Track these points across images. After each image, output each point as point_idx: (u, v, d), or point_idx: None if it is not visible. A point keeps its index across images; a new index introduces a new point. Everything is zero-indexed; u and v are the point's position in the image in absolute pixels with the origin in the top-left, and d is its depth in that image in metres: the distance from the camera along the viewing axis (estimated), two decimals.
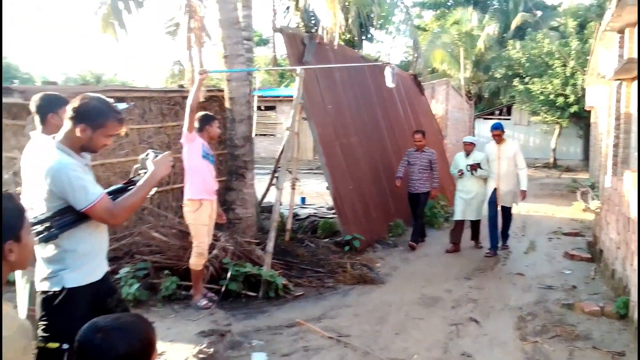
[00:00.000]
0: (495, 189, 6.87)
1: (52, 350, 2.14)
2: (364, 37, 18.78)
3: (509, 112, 24.71)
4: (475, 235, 7.37)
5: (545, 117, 21.43)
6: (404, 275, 6.06)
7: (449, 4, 29.35)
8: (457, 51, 21.99)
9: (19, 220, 1.54)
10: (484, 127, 23.18)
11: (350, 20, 9.79)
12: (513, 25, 24.33)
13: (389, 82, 5.92)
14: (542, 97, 20.32)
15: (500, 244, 7.07)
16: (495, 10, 26.88)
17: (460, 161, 7.11)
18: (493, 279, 5.94)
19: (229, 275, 5.02)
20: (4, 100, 5.31)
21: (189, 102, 4.64)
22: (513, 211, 7.36)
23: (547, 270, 6.35)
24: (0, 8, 1.89)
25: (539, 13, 25.02)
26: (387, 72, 5.82)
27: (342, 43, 9.16)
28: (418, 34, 12.77)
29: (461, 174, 7.00)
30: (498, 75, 23.46)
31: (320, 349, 3.97)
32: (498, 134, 6.87)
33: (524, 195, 6.94)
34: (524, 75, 21.16)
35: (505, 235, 7.25)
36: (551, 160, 22.65)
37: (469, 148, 7.07)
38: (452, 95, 16.94)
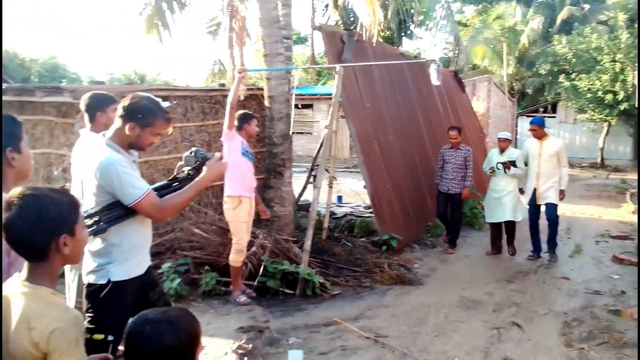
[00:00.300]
0: (534, 189, 6.50)
1: (98, 341, 2.21)
2: (403, 34, 18.56)
3: (554, 110, 23.88)
4: (510, 240, 6.85)
5: (593, 115, 20.58)
6: (443, 277, 5.95)
7: None
8: (499, 47, 21.41)
9: (74, 215, 1.60)
10: (527, 125, 22.54)
11: (389, 17, 9.66)
12: (559, 20, 23.44)
13: (434, 80, 5.82)
14: (589, 94, 19.52)
15: (547, 252, 6.62)
16: (540, 4, 26.00)
17: (493, 158, 6.76)
18: (536, 283, 5.75)
19: (263, 271, 5.07)
20: (55, 99, 5.55)
21: (229, 100, 4.72)
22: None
23: (594, 274, 6.10)
24: (0, 8, 1.95)
25: (586, 6, 24.05)
26: (432, 70, 5.73)
27: (381, 40, 9.07)
28: (459, 29, 12.49)
29: (492, 171, 6.65)
30: (542, 72, 22.65)
31: (357, 349, 3.95)
32: (534, 129, 6.48)
33: (562, 195, 6.52)
34: (570, 71, 20.38)
35: (552, 242, 6.63)
36: (598, 160, 21.74)
37: (503, 145, 6.70)
38: (494, 92, 16.53)
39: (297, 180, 7.51)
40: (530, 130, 6.54)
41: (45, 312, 1.49)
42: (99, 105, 3.38)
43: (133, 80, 30.70)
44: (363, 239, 7.18)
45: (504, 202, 6.59)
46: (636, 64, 13.98)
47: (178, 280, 4.78)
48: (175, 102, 5.99)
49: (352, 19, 11.19)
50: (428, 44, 52.60)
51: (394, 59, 8.82)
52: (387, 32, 14.05)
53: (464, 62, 10.45)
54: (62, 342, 1.47)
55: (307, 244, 5.33)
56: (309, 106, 21.10)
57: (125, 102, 2.40)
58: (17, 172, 1.87)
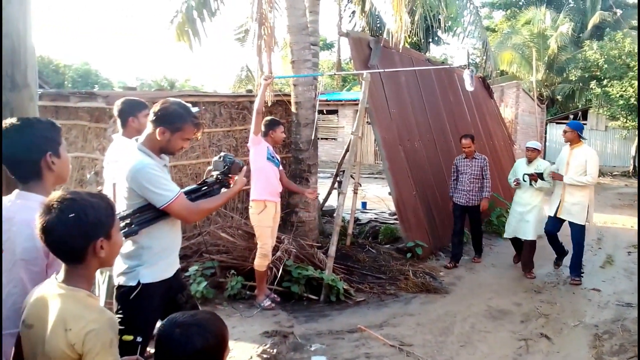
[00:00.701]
0: (559, 201, 5.89)
1: (127, 342, 2.26)
2: (430, 40, 18.44)
3: (584, 117, 23.33)
4: (527, 261, 6.19)
5: (625, 122, 20.00)
6: (469, 286, 5.86)
7: (520, 3, 28.22)
8: (528, 52, 21.07)
9: (110, 219, 1.64)
10: (556, 132, 22.07)
11: (416, 23, 9.63)
12: (590, 25, 22.98)
13: (468, 86, 5.84)
14: (621, 101, 18.98)
15: (570, 277, 5.96)
16: (570, 9, 25.52)
17: (519, 169, 6.25)
18: (566, 294, 5.62)
19: (287, 276, 5.10)
20: (88, 104, 5.72)
21: (255, 106, 4.80)
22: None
23: (626, 286, 5.92)
24: (0, 8, 2.01)
25: (619, 11, 23.49)
26: (466, 76, 5.71)
27: (408, 46, 9.04)
28: (487, 35, 12.35)
29: (517, 183, 6.14)
30: (573, 78, 22.19)
31: (382, 357, 3.93)
32: (566, 130, 5.92)
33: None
34: (601, 78, 19.88)
35: (574, 266, 5.94)
36: (630, 168, 21.12)
37: (532, 155, 6.15)
38: (523, 99, 16.27)
39: (321, 186, 7.53)
40: (563, 133, 6.01)
41: (82, 314, 1.53)
42: (131, 110, 3.47)
43: (163, 87, 31.34)
44: (387, 246, 7.14)
45: (527, 219, 6.07)
46: None
47: (204, 284, 4.84)
48: (202, 107, 6.09)
49: (378, 25, 11.17)
50: (455, 49, 52.10)
51: (421, 64, 8.79)
52: (414, 38, 13.99)
53: (492, 68, 10.32)
54: (97, 343, 1.50)
55: (332, 249, 5.33)
56: (334, 112, 21.14)
57: (156, 107, 2.47)
58: (56, 175, 1.94)
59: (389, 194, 7.19)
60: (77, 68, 32.02)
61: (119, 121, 3.52)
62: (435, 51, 26.36)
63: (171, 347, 1.48)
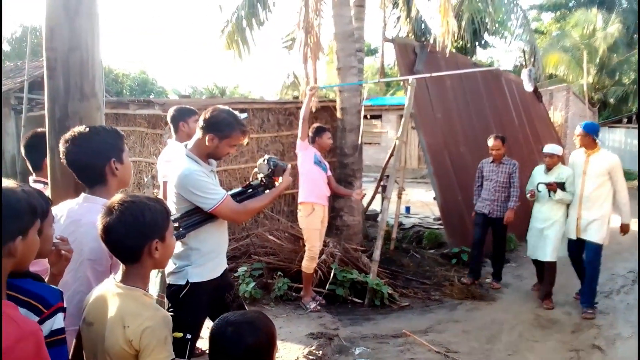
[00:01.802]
0: (577, 218, 5.02)
1: (177, 339, 2.36)
2: (477, 43, 18.11)
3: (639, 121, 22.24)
4: (546, 287, 5.32)
5: None
6: (516, 294, 5.75)
7: (570, 5, 27.25)
8: (578, 54, 20.32)
9: (166, 222, 1.72)
10: (609, 137, 21.12)
11: (463, 27, 9.53)
12: None
13: (527, 86, 5.70)
14: None
15: (582, 308, 5.03)
16: (623, 10, 24.39)
17: (536, 178, 5.32)
18: (620, 303, 5.41)
19: (332, 279, 5.17)
20: (145, 111, 6.02)
21: (301, 114, 4.95)
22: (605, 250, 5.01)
23: None
24: (0, 8, 2.07)
25: None
26: (525, 76, 5.61)
27: (454, 50, 8.97)
28: (535, 37, 12.05)
29: (532, 195, 5.26)
30: (626, 80, 21.20)
31: None
32: (581, 134, 4.97)
33: (625, 229, 5.00)
34: None
35: (587, 294, 5.04)
36: None
37: (550, 162, 5.22)
38: (573, 102, 15.70)
39: (365, 191, 7.56)
40: (576, 136, 5.10)
41: (139, 311, 1.60)
42: (181, 116, 3.81)
43: (214, 94, 32.15)
44: (432, 251, 7.10)
45: (547, 235, 5.18)
46: None
47: (253, 284, 4.99)
48: (246, 115, 6.30)
49: (423, 30, 11.14)
50: (502, 52, 50.79)
51: (467, 69, 8.68)
52: (461, 42, 13.81)
53: (540, 71, 10.06)
54: (153, 340, 1.57)
55: (376, 254, 5.37)
56: (378, 117, 21.08)
57: (206, 114, 2.56)
58: (119, 180, 2.05)
59: (434, 198, 7.16)
60: (135, 77, 33.34)
61: (172, 127, 3.83)
62: (481, 55, 25.84)
63: (224, 345, 1.55)
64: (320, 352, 4.04)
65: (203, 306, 2.59)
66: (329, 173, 5.07)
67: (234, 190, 2.77)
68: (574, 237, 5.06)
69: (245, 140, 2.70)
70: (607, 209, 4.91)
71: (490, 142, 5.79)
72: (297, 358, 3.95)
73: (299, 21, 6.41)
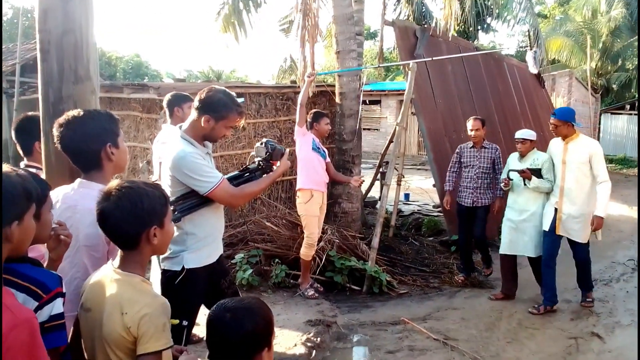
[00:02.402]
0: (555, 210, 4.59)
1: (174, 326, 2.32)
2: (479, 27, 17.88)
3: None
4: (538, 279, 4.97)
5: None
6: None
7: None
8: (581, 39, 20.08)
9: (164, 208, 1.69)
10: (611, 123, 21.02)
11: (467, 10, 9.37)
12: None
13: (532, 68, 5.59)
14: None
15: (581, 298, 4.87)
16: None
17: (511, 165, 4.93)
18: (619, 292, 5.38)
19: (330, 267, 5.13)
20: (140, 95, 5.92)
21: (299, 100, 4.89)
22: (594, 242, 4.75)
23: None
24: (0, 8, 2.05)
25: None
26: (529, 57, 5.52)
27: (455, 34, 8.83)
28: (538, 21, 11.87)
29: (506, 184, 4.84)
30: (629, 66, 20.99)
31: (426, 350, 3.90)
32: (554, 123, 4.56)
33: (599, 223, 4.41)
34: None
35: (584, 283, 4.83)
36: None
37: (522, 148, 4.81)
38: (576, 88, 15.59)
39: (363, 177, 7.50)
40: (551, 125, 4.67)
41: (137, 298, 1.58)
42: (177, 101, 3.84)
43: (210, 78, 31.99)
44: (431, 239, 7.06)
45: (525, 229, 4.74)
46: None
47: (250, 271, 4.95)
48: (243, 99, 6.22)
49: (423, 13, 10.96)
50: (504, 36, 50.37)
51: (469, 53, 8.56)
52: (462, 26, 13.61)
53: (543, 55, 9.92)
54: (151, 327, 1.55)
55: (375, 241, 5.33)
56: (377, 102, 20.93)
57: (201, 95, 2.47)
58: (114, 165, 2.02)
59: (433, 185, 7.08)
60: (128, 60, 33.09)
61: (167, 112, 3.83)
62: (483, 39, 25.61)
63: (223, 331, 1.54)
64: (319, 339, 4.02)
65: (199, 292, 2.55)
66: (328, 159, 5.00)
67: (230, 174, 2.70)
68: (547, 228, 4.61)
69: (242, 122, 2.60)
70: (593, 206, 4.47)
71: (470, 123, 5.33)
72: (295, 345, 3.93)
73: (297, 3, 6.27)
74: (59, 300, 1.52)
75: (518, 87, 9.77)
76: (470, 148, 5.38)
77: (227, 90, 2.54)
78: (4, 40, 21.34)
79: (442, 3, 6.49)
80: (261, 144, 2.77)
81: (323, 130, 5.03)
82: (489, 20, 18.36)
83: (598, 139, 18.99)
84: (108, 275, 1.65)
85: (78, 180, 1.97)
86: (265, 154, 2.74)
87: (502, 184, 4.95)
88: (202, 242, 2.50)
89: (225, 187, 2.46)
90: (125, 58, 33.08)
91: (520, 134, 4.89)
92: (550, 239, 4.61)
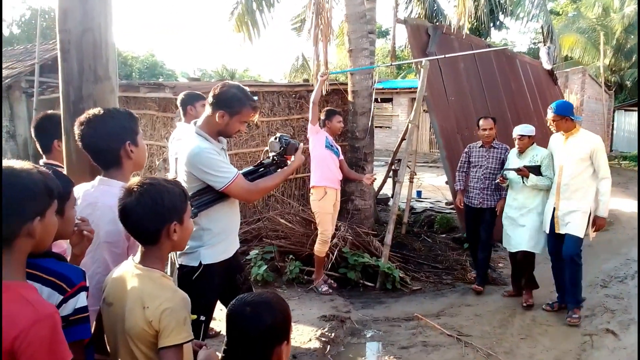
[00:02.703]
0: (554, 210, 4.42)
1: (192, 321, 2.33)
2: (492, 25, 17.76)
3: None
4: (527, 281, 4.82)
5: None
6: None
7: None
8: (594, 36, 19.86)
9: (184, 204, 1.73)
10: (625, 120, 20.77)
11: (481, 7, 9.33)
12: None
13: (545, 64, 5.57)
14: None
15: (567, 313, 4.45)
16: None
17: (510, 162, 4.83)
18: (634, 288, 5.34)
19: (344, 263, 5.17)
20: (156, 95, 6.00)
21: (312, 99, 4.93)
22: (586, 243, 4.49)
23: None
24: (0, 8, 2.05)
25: None
26: (543, 53, 5.51)
27: (467, 32, 8.81)
28: (551, 18, 11.77)
29: (502, 181, 4.73)
30: None
31: (439, 346, 3.93)
32: (554, 119, 4.33)
33: (600, 224, 4.31)
34: None
35: (571, 293, 4.42)
36: None
37: (521, 144, 4.68)
38: (589, 85, 15.43)
39: (375, 174, 7.53)
40: (552, 121, 4.39)
41: (158, 293, 1.61)
42: (190, 100, 3.94)
43: (223, 77, 32.16)
44: (443, 235, 7.07)
45: (523, 224, 4.65)
46: None
47: (265, 267, 5.01)
48: (256, 98, 6.28)
49: (435, 11, 10.93)
50: (516, 33, 49.93)
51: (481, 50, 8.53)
52: (475, 23, 13.52)
53: (557, 53, 9.85)
54: (172, 321, 1.58)
55: (388, 238, 5.36)
56: (389, 100, 20.90)
57: (215, 90, 2.48)
58: (134, 163, 2.05)
59: (446, 182, 7.09)
60: (144, 60, 33.31)
61: (181, 110, 3.94)
62: (495, 36, 25.41)
63: (243, 325, 1.55)
64: (333, 334, 4.07)
65: (215, 287, 2.56)
66: (341, 157, 5.04)
67: (245, 169, 2.71)
68: (548, 230, 4.49)
69: (256, 117, 2.61)
70: (590, 200, 4.29)
71: (482, 122, 5.16)
72: (310, 340, 3.98)
73: (310, 2, 6.31)
74: (83, 294, 1.55)
75: (531, 85, 9.72)
76: (480, 147, 5.23)
77: (241, 85, 2.56)
78: (22, 40, 21.67)
79: (455, 0, 6.47)
80: (275, 138, 2.77)
81: (335, 128, 5.07)
82: (501, 17, 18.21)
83: (612, 136, 18.77)
84: (129, 271, 1.68)
85: (98, 177, 2.01)
86: (280, 148, 2.74)
87: (497, 181, 4.82)
88: (218, 237, 2.51)
89: (241, 183, 2.47)
90: (140, 58, 33.33)
91: (518, 130, 4.74)
92: (552, 239, 4.48)
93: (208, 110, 2.49)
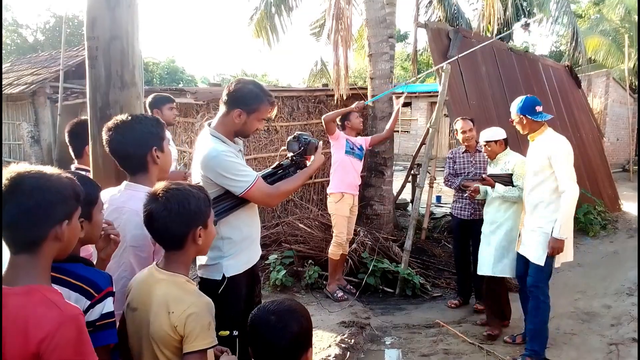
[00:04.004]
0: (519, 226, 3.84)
1: (225, 337, 2.03)
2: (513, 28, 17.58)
3: None
4: (493, 312, 4.17)
5: None
6: (553, 286, 5.43)
7: None
8: (618, 38, 19.46)
9: (208, 209, 1.74)
10: None
11: (509, 10, 9.22)
12: None
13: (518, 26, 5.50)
14: None
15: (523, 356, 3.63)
16: None
17: (488, 170, 4.30)
18: None
19: (363, 268, 5.13)
20: (178, 100, 6.06)
21: (328, 115, 4.89)
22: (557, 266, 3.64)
23: None
24: (0, 8, 2.09)
25: None
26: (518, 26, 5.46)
27: (489, 35, 8.72)
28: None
29: (475, 191, 4.13)
30: None
31: (461, 354, 3.87)
32: (514, 119, 3.71)
33: (554, 247, 3.42)
34: None
35: (532, 333, 3.66)
36: None
37: (488, 151, 4.14)
38: (613, 88, 15.11)
39: (394, 179, 7.49)
40: (511, 122, 3.81)
41: (183, 298, 1.62)
42: (156, 104, 4.09)
43: None
44: None
45: (490, 242, 4.04)
46: None
47: (284, 272, 5.01)
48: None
49: (455, 14, 10.85)
50: (537, 37, 49.35)
51: (503, 54, 8.43)
52: (497, 27, 13.40)
53: (583, 55, 9.67)
54: (197, 326, 1.59)
55: (408, 243, 5.31)
56: (408, 104, 20.77)
57: (230, 88, 2.34)
58: (159, 168, 2.05)
59: None
60: (164, 65, 33.81)
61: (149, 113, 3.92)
62: (516, 39, 25.11)
63: (270, 334, 1.52)
64: (352, 340, 4.03)
65: (241, 298, 2.41)
66: (367, 140, 5.22)
67: (263, 172, 2.55)
68: (516, 249, 3.82)
69: (274, 113, 2.45)
70: (553, 219, 3.46)
71: (460, 123, 4.63)
72: (330, 346, 3.95)
73: (329, 7, 6.32)
74: (110, 299, 1.56)
75: (554, 88, 9.55)
76: (463, 153, 4.74)
77: (256, 80, 2.47)
78: (47, 47, 22.20)
79: (477, 4, 6.42)
80: (293, 138, 2.60)
81: (356, 126, 5.06)
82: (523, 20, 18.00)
83: (638, 141, 18.31)
84: (153, 275, 1.69)
85: (125, 182, 2.02)
86: (299, 148, 2.57)
87: (468, 193, 4.27)
88: (239, 246, 2.37)
89: (261, 187, 2.32)
90: (161, 64, 33.84)
91: (484, 135, 4.14)
92: (520, 261, 3.79)
93: (222, 109, 2.36)
